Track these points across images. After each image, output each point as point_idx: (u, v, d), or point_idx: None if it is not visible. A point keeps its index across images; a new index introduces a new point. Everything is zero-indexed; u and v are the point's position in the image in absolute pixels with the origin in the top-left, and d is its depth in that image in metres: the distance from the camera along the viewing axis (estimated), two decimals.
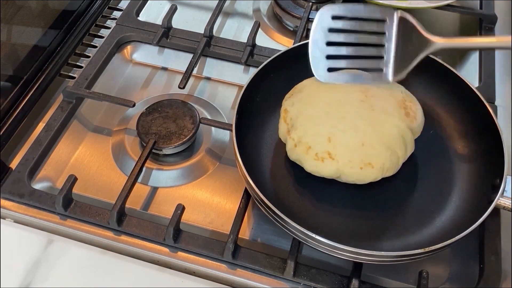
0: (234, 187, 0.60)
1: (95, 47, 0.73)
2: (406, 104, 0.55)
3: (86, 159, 0.62)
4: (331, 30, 0.54)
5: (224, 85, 0.71)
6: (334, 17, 0.54)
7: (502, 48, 0.52)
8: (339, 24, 0.54)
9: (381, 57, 0.54)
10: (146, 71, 0.72)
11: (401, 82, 0.60)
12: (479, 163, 0.56)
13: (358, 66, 0.55)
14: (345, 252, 0.47)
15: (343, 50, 0.55)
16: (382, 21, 0.54)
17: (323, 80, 0.55)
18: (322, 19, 0.54)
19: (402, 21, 0.54)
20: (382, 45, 0.54)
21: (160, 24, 0.72)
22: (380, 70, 0.55)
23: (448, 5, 0.74)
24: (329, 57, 0.55)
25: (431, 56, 0.60)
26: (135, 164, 0.57)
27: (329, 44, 0.55)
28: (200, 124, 0.62)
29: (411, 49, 0.53)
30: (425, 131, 0.57)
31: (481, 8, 0.80)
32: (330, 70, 0.55)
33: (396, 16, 0.54)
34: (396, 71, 0.54)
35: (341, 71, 0.55)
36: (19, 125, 0.64)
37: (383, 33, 0.54)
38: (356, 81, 0.55)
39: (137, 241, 0.54)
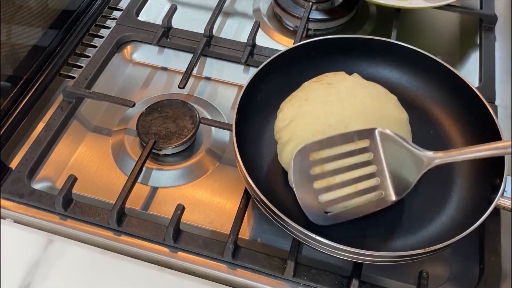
0: (234, 187, 0.60)
1: (95, 47, 0.73)
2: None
3: (86, 159, 0.62)
4: (314, 175, 0.50)
5: (224, 85, 0.71)
6: (312, 158, 0.50)
7: (502, 154, 0.48)
8: (320, 162, 0.50)
9: (376, 185, 0.50)
10: (146, 71, 0.72)
11: (401, 82, 0.60)
12: (479, 163, 0.56)
13: (357, 202, 0.50)
14: (345, 252, 0.47)
15: (335, 187, 0.50)
16: (365, 146, 0.50)
17: (326, 224, 0.50)
18: (298, 162, 0.49)
19: (384, 137, 0.50)
20: (372, 172, 0.50)
21: (160, 24, 0.72)
22: (380, 195, 0.50)
23: (448, 5, 0.74)
24: (322, 200, 0.50)
25: (431, 56, 0.60)
26: (135, 164, 0.57)
27: (317, 187, 0.50)
28: (200, 124, 0.62)
29: (405, 165, 0.50)
30: (425, 131, 0.57)
31: (481, 8, 0.80)
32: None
33: (377, 135, 0.50)
34: (396, 188, 0.51)
35: (340, 207, 0.50)
36: (19, 125, 0.64)
37: (369, 160, 0.50)
38: (362, 213, 0.50)
39: (137, 241, 0.54)
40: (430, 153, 0.50)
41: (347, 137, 0.50)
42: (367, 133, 0.51)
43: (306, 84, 0.58)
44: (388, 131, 0.51)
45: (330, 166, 0.50)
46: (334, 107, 0.54)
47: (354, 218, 0.51)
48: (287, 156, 0.53)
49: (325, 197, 0.50)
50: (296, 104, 0.56)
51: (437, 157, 0.50)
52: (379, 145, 0.51)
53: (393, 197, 0.50)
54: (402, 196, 0.51)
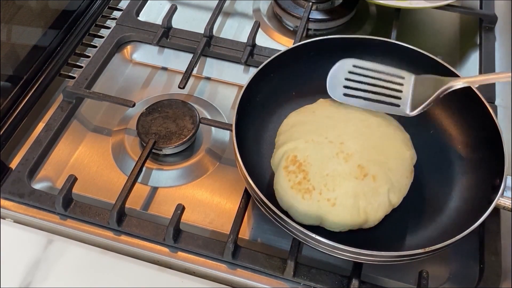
0: (234, 187, 0.60)
1: (95, 47, 0.73)
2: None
3: (86, 159, 0.62)
4: (351, 72, 0.57)
5: (224, 85, 0.71)
6: (355, 66, 0.57)
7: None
8: (358, 70, 0.57)
9: (398, 97, 0.56)
10: (146, 71, 0.72)
11: None
12: (479, 163, 0.56)
13: (376, 98, 0.56)
14: (345, 252, 0.47)
15: (361, 85, 0.56)
16: (399, 81, 0.57)
17: (339, 99, 0.56)
18: (343, 63, 0.57)
19: (419, 80, 0.56)
20: (399, 89, 0.56)
21: (160, 24, 0.72)
22: (397, 105, 0.56)
23: (448, 5, 0.74)
24: (346, 87, 0.57)
25: (431, 56, 0.60)
26: (135, 164, 0.57)
27: (348, 80, 0.57)
28: (200, 124, 0.62)
29: (428, 89, 0.54)
30: (425, 131, 0.57)
31: (481, 8, 0.80)
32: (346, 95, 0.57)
33: (413, 77, 0.56)
34: (413, 106, 0.55)
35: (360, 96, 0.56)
36: (19, 125, 0.64)
37: (401, 83, 0.57)
38: (373, 108, 0.56)
39: (137, 241, 0.54)
40: (450, 78, 0.53)
41: (388, 69, 0.57)
42: (405, 74, 0.57)
43: (321, 100, 0.59)
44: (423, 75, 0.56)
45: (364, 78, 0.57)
46: (337, 123, 0.54)
47: (368, 107, 0.56)
48: (277, 158, 0.53)
49: (351, 84, 0.56)
50: (302, 113, 0.57)
51: (456, 81, 0.53)
52: (412, 84, 0.56)
53: (408, 110, 0.55)
54: (417, 111, 0.54)
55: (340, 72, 0.57)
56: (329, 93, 0.56)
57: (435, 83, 0.54)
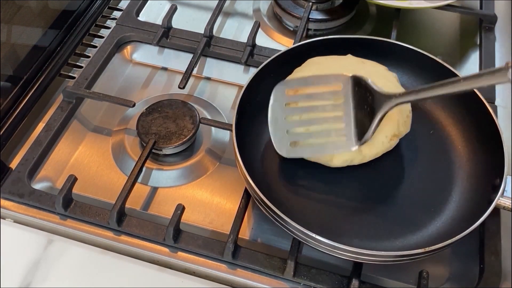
0: (234, 187, 0.60)
1: (95, 47, 0.73)
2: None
3: (86, 159, 0.62)
4: (288, 109, 0.54)
5: (224, 85, 0.71)
6: (289, 93, 0.54)
7: (466, 90, 0.46)
8: (295, 98, 0.54)
9: (342, 127, 0.53)
10: (146, 71, 0.72)
11: (401, 82, 0.60)
12: (479, 163, 0.56)
13: (322, 139, 0.54)
14: (345, 252, 0.47)
15: (303, 123, 0.54)
16: (337, 90, 0.53)
17: (287, 156, 0.54)
18: (277, 95, 0.54)
19: (357, 82, 0.52)
20: (340, 116, 0.53)
21: (160, 24, 0.72)
22: (343, 137, 0.53)
23: (448, 5, 0.74)
24: (290, 132, 0.54)
25: (431, 56, 0.60)
26: (135, 164, 0.57)
27: (288, 121, 0.54)
28: (200, 124, 0.62)
29: (370, 109, 0.51)
30: (425, 131, 0.57)
31: (481, 8, 0.80)
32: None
33: (350, 79, 0.53)
34: (360, 134, 0.52)
35: (304, 145, 0.54)
36: (19, 125, 0.64)
37: (339, 104, 0.53)
38: (320, 152, 0.54)
39: (137, 241, 0.54)
40: (390, 93, 0.50)
41: (323, 79, 0.54)
42: (342, 78, 0.53)
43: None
44: (361, 76, 0.52)
45: (304, 103, 0.54)
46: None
47: (315, 154, 0.54)
48: None
49: (294, 130, 0.54)
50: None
51: (397, 96, 0.49)
52: (350, 90, 0.53)
53: (354, 144, 0.52)
54: (361, 143, 0.52)
55: (278, 110, 0.54)
56: (277, 150, 0.54)
57: (375, 103, 0.50)
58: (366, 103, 0.51)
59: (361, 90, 0.52)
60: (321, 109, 0.54)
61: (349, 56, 0.60)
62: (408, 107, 0.57)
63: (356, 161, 0.55)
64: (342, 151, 0.53)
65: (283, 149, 0.54)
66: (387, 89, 0.51)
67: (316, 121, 0.54)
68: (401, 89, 0.56)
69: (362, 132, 0.52)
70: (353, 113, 0.53)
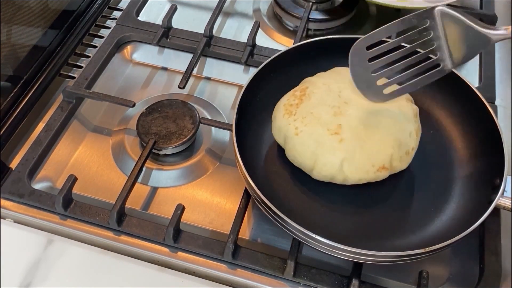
0: (234, 187, 0.60)
1: (95, 47, 0.73)
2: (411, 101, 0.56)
3: (86, 159, 0.62)
4: (373, 64, 0.51)
5: (224, 85, 0.71)
6: (370, 47, 0.50)
7: None
8: (377, 52, 0.50)
9: (435, 60, 0.50)
10: (146, 71, 0.72)
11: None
12: (479, 163, 0.56)
13: (413, 74, 0.51)
14: (345, 252, 0.47)
15: (392, 70, 0.51)
16: (424, 26, 0.50)
17: (380, 101, 0.52)
18: (355, 56, 0.50)
19: (444, 15, 0.49)
20: (432, 49, 0.50)
21: (160, 24, 0.72)
22: (438, 66, 0.50)
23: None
24: (376, 75, 0.51)
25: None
26: (135, 164, 0.57)
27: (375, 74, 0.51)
28: (200, 124, 0.62)
29: (466, 43, 0.49)
30: (425, 131, 0.57)
31: (481, 8, 0.80)
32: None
33: (437, 14, 0.49)
34: (454, 58, 0.50)
35: (393, 84, 0.52)
36: (19, 125, 0.64)
37: (429, 39, 0.50)
38: (418, 86, 0.51)
39: (137, 241, 0.54)
40: (492, 30, 0.47)
41: (406, 22, 0.50)
42: (427, 14, 0.50)
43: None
44: (448, 10, 0.49)
45: (389, 58, 0.50)
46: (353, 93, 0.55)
47: (413, 90, 0.52)
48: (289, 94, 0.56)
49: (383, 81, 0.52)
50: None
51: (500, 34, 0.47)
52: (438, 23, 0.50)
53: (450, 65, 0.50)
54: (458, 64, 0.49)
55: (359, 69, 0.51)
56: (364, 95, 0.52)
57: (470, 37, 0.48)
58: (458, 34, 0.49)
59: (451, 23, 0.49)
60: (412, 53, 0.51)
61: (339, 69, 0.59)
62: (411, 143, 0.54)
63: (338, 180, 0.53)
64: (437, 77, 0.50)
65: (378, 97, 0.52)
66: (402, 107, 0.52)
67: (406, 64, 0.51)
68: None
69: (456, 56, 0.49)
70: (444, 40, 0.49)
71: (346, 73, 0.55)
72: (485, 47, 0.49)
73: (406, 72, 0.51)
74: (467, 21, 0.48)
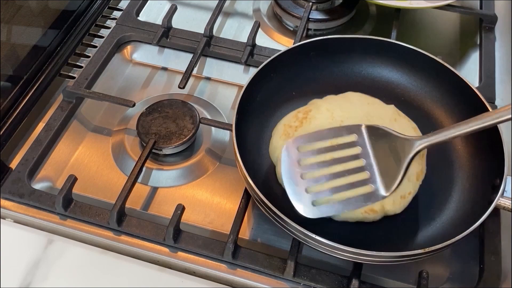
0: (234, 187, 0.60)
1: (95, 47, 0.73)
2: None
3: (86, 159, 0.62)
4: (303, 166, 0.49)
5: (224, 85, 0.71)
6: (301, 150, 0.50)
7: (489, 126, 0.49)
8: (308, 154, 0.50)
9: (366, 179, 0.49)
10: (146, 71, 0.72)
11: (401, 82, 0.60)
12: (479, 163, 0.56)
13: (347, 195, 0.49)
14: (345, 252, 0.47)
15: (323, 179, 0.49)
16: (352, 141, 0.51)
17: (312, 216, 0.48)
18: (288, 153, 0.49)
19: (371, 130, 0.51)
20: (361, 166, 0.50)
21: (160, 24, 0.72)
22: (369, 189, 0.49)
23: (448, 5, 0.74)
24: (310, 190, 0.49)
25: (431, 56, 0.60)
26: (135, 164, 0.57)
27: (305, 179, 0.49)
28: (200, 124, 0.62)
29: (394, 156, 0.50)
30: (425, 131, 0.57)
31: (481, 8, 0.80)
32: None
33: (363, 128, 0.51)
34: (387, 183, 0.49)
35: (329, 201, 0.49)
36: (19, 125, 0.64)
37: (357, 154, 0.50)
38: (350, 207, 0.49)
39: (137, 241, 0.54)
40: (414, 138, 0.50)
41: (335, 132, 0.51)
42: (354, 128, 0.51)
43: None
44: (373, 124, 0.51)
45: (319, 158, 0.50)
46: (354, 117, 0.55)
47: (343, 211, 0.50)
48: (292, 114, 0.55)
49: (314, 188, 0.49)
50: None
51: (421, 140, 0.50)
52: (366, 140, 0.51)
53: (384, 192, 0.49)
54: (392, 191, 0.49)
55: (292, 169, 0.49)
56: (298, 211, 0.48)
57: (397, 148, 0.49)
58: (387, 150, 0.50)
59: (378, 138, 0.51)
60: (340, 161, 0.50)
61: (351, 95, 0.59)
62: (409, 187, 0.52)
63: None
64: (373, 202, 0.49)
65: (307, 210, 0.48)
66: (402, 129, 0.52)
67: (337, 175, 0.50)
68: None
69: (387, 180, 0.49)
70: (374, 161, 0.50)
71: (357, 101, 0.56)
72: (407, 157, 0.49)
73: (340, 184, 0.49)
74: (389, 130, 0.50)
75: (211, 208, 0.58)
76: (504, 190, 0.50)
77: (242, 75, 0.71)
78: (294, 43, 0.66)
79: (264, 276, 0.52)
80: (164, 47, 0.73)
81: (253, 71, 0.59)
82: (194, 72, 0.70)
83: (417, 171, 0.53)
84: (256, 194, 0.49)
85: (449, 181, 0.56)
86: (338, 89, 0.60)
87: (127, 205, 0.55)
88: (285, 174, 0.49)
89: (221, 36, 0.74)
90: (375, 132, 0.51)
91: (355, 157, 0.50)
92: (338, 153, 0.50)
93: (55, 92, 0.69)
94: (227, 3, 0.78)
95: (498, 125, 0.54)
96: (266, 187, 0.54)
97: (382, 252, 0.47)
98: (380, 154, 0.50)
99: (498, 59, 0.73)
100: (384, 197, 0.49)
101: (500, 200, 0.50)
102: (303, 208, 0.48)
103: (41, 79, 0.68)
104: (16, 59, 0.65)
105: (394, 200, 0.51)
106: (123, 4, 0.79)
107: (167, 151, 0.61)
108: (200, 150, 0.63)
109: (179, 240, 0.53)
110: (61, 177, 0.60)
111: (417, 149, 0.50)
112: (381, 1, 0.71)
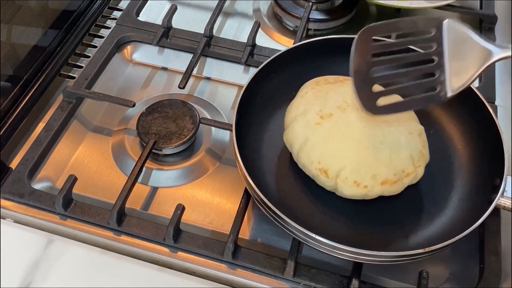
0: (234, 187, 0.60)
1: (95, 47, 0.73)
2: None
3: (86, 159, 0.62)
4: (374, 55, 0.48)
5: (224, 85, 0.71)
6: (375, 40, 0.49)
7: None
8: (381, 48, 0.49)
9: (434, 75, 0.49)
10: (146, 71, 0.72)
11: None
12: (479, 163, 0.56)
13: (412, 92, 0.49)
14: (345, 252, 0.47)
15: (391, 78, 0.50)
16: (429, 34, 0.49)
17: (375, 113, 0.48)
18: (361, 42, 0.48)
19: (452, 29, 0.49)
20: (433, 62, 0.49)
21: (160, 24, 0.72)
22: (434, 89, 0.48)
23: (448, 5, 0.74)
24: (376, 92, 0.49)
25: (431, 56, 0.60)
26: (135, 164, 0.57)
27: (374, 71, 0.49)
28: (200, 124, 0.62)
29: (468, 59, 0.48)
30: (425, 131, 0.57)
31: (481, 8, 0.80)
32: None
33: (445, 26, 0.48)
34: (454, 84, 0.48)
35: (393, 99, 0.49)
36: (19, 125, 0.64)
37: (431, 50, 0.49)
38: (412, 107, 0.50)
39: (137, 241, 0.54)
40: (496, 46, 0.47)
41: (413, 23, 0.50)
42: (435, 23, 0.49)
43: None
44: (456, 23, 0.48)
45: (391, 57, 0.49)
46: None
47: (406, 110, 0.50)
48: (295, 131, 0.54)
49: (380, 87, 0.49)
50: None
51: (502, 49, 0.46)
52: (445, 36, 0.49)
53: (448, 93, 0.48)
54: (456, 91, 0.48)
55: (362, 62, 0.48)
56: (361, 106, 0.48)
57: (475, 53, 0.47)
58: (463, 52, 0.48)
59: (457, 36, 0.48)
60: (411, 59, 0.49)
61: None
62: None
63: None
64: (436, 102, 0.49)
65: (370, 107, 0.48)
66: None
67: (406, 74, 0.49)
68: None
69: (455, 80, 0.47)
70: (447, 60, 0.48)
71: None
72: (486, 64, 0.47)
73: (404, 85, 0.49)
74: (473, 34, 0.47)
75: (211, 208, 0.58)
76: (504, 190, 0.50)
77: (242, 75, 0.71)
78: (294, 43, 0.66)
79: (264, 276, 0.52)
80: (164, 47, 0.73)
81: (253, 71, 0.59)
82: (194, 72, 0.70)
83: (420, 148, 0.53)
84: (256, 194, 0.49)
85: (449, 181, 0.56)
86: None
87: (127, 205, 0.55)
88: (354, 65, 0.48)
89: (221, 36, 0.74)
90: (456, 31, 0.48)
91: (428, 55, 0.49)
92: (411, 52, 0.50)
93: (55, 92, 0.69)
94: (227, 3, 0.78)
95: (498, 125, 0.54)
96: (266, 187, 0.54)
97: (382, 252, 0.47)
98: (455, 54, 0.48)
99: None
100: (447, 98, 0.48)
101: (500, 200, 0.50)
102: (367, 105, 0.47)
103: (41, 79, 0.68)
104: (16, 59, 0.65)
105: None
106: (123, 4, 0.79)
107: (167, 151, 0.61)
108: (200, 150, 0.63)
109: (179, 240, 0.53)
110: (61, 177, 0.60)
111: (496, 58, 0.46)
112: (381, 1, 0.72)
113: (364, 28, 0.48)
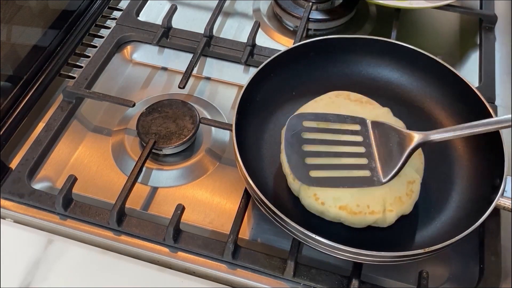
0: (234, 187, 0.60)
1: (95, 47, 0.73)
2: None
3: (86, 159, 0.62)
4: (305, 138, 0.52)
5: (224, 85, 0.71)
6: (306, 124, 0.53)
7: (493, 129, 0.49)
8: (312, 130, 0.53)
9: (364, 164, 0.52)
10: (146, 71, 0.72)
11: (401, 83, 0.60)
12: (479, 163, 0.56)
13: (343, 174, 0.51)
14: (345, 252, 0.47)
15: (323, 155, 0.52)
16: (356, 129, 0.53)
17: (310, 185, 0.51)
18: (292, 125, 0.52)
19: (375, 125, 0.53)
20: (361, 152, 0.52)
21: (160, 24, 0.72)
22: (367, 174, 0.51)
23: (448, 5, 0.74)
24: (309, 163, 0.51)
25: (431, 56, 0.60)
26: (135, 164, 0.57)
27: (306, 150, 0.52)
28: (200, 124, 0.62)
29: (393, 147, 0.51)
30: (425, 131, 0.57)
31: (481, 8, 0.80)
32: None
33: (369, 123, 0.53)
34: (385, 172, 0.51)
35: (327, 174, 0.51)
36: (19, 125, 0.64)
37: (359, 141, 0.53)
38: (345, 185, 0.51)
39: (137, 241, 0.54)
40: (415, 132, 0.51)
41: (340, 118, 0.54)
42: (359, 120, 0.54)
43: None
44: (379, 120, 0.53)
45: (322, 136, 0.53)
46: None
47: (337, 187, 0.51)
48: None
49: (313, 160, 0.51)
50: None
51: (422, 134, 0.51)
52: (370, 132, 0.53)
53: (382, 179, 0.51)
54: (389, 178, 0.51)
55: (293, 138, 0.52)
56: (295, 177, 0.51)
57: (399, 140, 0.51)
58: (389, 143, 0.52)
59: (381, 132, 0.53)
60: (342, 144, 0.52)
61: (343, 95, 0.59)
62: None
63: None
64: (368, 186, 0.51)
65: (303, 178, 0.51)
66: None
67: (337, 154, 0.52)
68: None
69: (386, 169, 0.51)
70: (375, 151, 0.52)
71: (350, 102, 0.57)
72: (410, 147, 0.50)
73: (338, 162, 0.52)
74: (392, 125, 0.52)
75: (211, 208, 0.58)
76: (504, 190, 0.50)
77: (242, 75, 0.71)
78: (294, 43, 0.66)
79: (264, 276, 0.52)
80: (164, 47, 0.73)
81: (253, 71, 0.59)
82: (194, 72, 0.70)
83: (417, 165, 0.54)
84: (256, 194, 0.49)
85: (449, 181, 0.56)
86: (338, 89, 0.60)
87: (127, 205, 0.55)
88: (286, 141, 0.51)
89: (221, 36, 0.74)
90: (379, 127, 0.53)
91: (357, 143, 0.53)
92: (340, 137, 0.53)
93: (55, 92, 0.69)
94: (227, 3, 0.78)
95: None
96: (266, 187, 0.54)
97: (382, 252, 0.47)
98: (381, 146, 0.52)
99: (498, 59, 0.73)
100: (381, 183, 0.51)
101: (500, 200, 0.50)
102: (300, 176, 0.50)
103: (41, 79, 0.68)
104: (16, 59, 0.65)
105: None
106: (123, 4, 0.79)
107: (167, 151, 0.61)
108: (200, 150, 0.63)
109: (179, 240, 0.53)
110: (61, 177, 0.60)
111: (417, 143, 0.51)
112: (381, 1, 0.71)
113: (295, 114, 0.54)
